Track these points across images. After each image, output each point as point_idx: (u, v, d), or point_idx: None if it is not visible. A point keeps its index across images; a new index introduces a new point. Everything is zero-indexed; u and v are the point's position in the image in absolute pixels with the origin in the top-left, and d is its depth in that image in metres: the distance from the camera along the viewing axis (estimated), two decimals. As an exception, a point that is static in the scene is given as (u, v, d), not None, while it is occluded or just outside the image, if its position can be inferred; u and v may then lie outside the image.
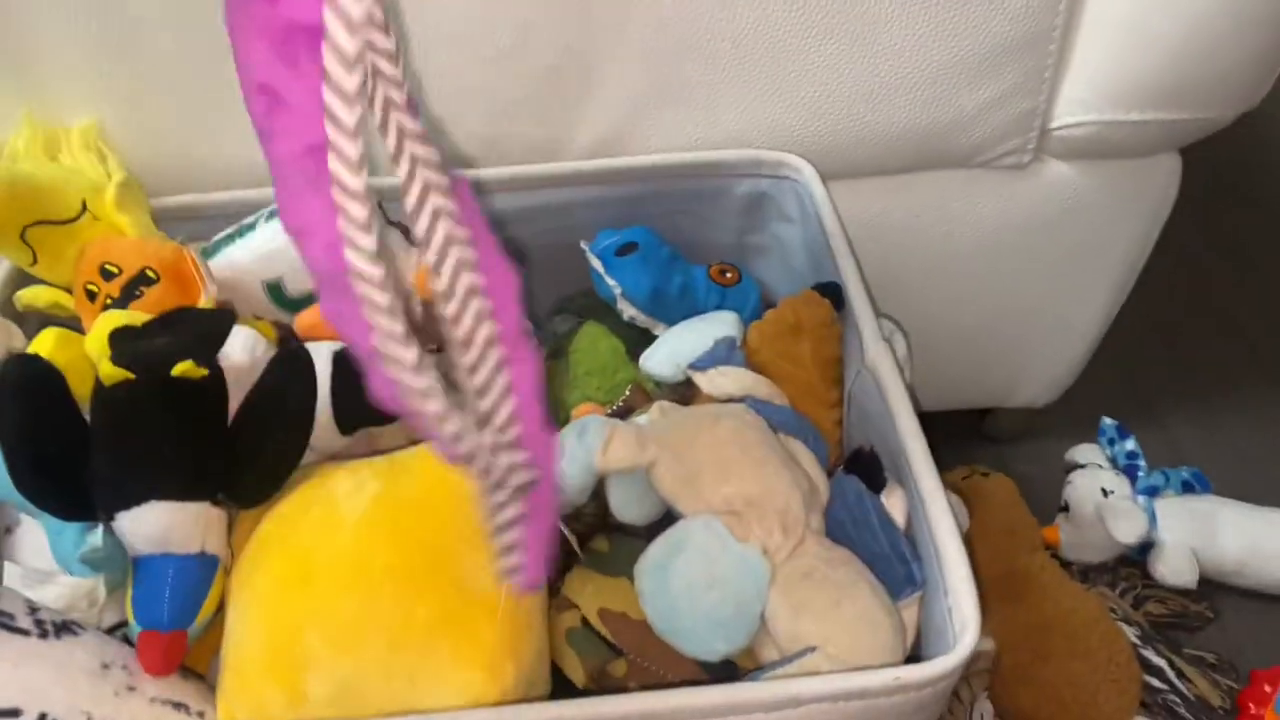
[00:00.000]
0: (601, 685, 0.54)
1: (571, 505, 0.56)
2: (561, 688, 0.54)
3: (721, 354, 0.61)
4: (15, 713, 0.46)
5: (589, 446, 0.53)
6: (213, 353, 0.56)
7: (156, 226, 0.69)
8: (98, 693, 0.49)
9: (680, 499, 0.53)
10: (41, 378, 0.52)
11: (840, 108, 0.70)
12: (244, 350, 0.58)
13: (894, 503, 0.55)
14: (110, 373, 0.52)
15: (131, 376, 0.52)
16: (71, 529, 0.52)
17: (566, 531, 0.58)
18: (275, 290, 0.68)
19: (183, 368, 0.53)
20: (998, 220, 0.82)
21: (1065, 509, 0.90)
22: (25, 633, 0.48)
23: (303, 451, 0.55)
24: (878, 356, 0.58)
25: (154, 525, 0.51)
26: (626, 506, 0.56)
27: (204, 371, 0.53)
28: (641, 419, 0.59)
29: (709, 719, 0.44)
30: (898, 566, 0.52)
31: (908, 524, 0.55)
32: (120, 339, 0.54)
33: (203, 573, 0.52)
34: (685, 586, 0.49)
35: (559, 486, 0.53)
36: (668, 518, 0.57)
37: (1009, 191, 0.80)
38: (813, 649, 0.48)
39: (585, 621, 0.55)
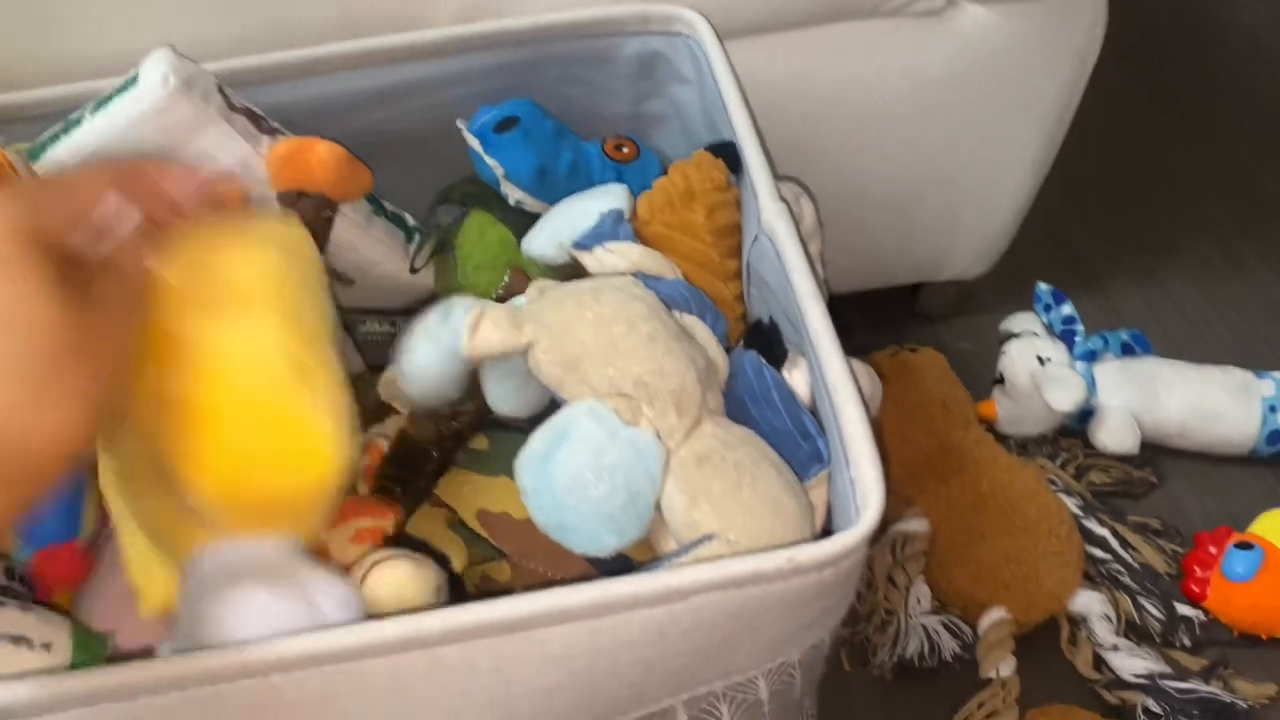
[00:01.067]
0: (483, 590, 0.49)
1: (441, 399, 0.50)
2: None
3: (607, 229, 0.55)
4: None
5: (454, 329, 0.46)
6: None
7: (-30, 129, 0.62)
8: None
9: (563, 385, 0.47)
10: None
11: (730, -48, 0.64)
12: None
13: (796, 376, 0.50)
14: None
15: None
16: None
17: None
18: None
19: None
20: (915, 75, 0.76)
21: (1000, 381, 0.86)
22: None
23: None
24: (774, 217, 0.52)
25: None
26: (504, 398, 0.51)
27: None
28: (519, 300, 0.53)
29: (588, 619, 0.39)
30: (802, 443, 0.48)
31: (812, 398, 0.50)
32: None
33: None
34: (570, 479, 0.44)
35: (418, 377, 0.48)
36: (552, 408, 0.52)
37: (925, 42, 0.74)
38: (710, 537, 0.43)
39: (463, 522, 0.50)
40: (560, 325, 0.47)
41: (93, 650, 0.49)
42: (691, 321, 0.52)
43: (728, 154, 0.58)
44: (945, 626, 0.72)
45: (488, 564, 0.49)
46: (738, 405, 0.49)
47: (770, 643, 0.44)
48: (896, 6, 0.70)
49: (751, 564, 0.39)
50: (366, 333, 0.70)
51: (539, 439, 0.45)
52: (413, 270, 0.72)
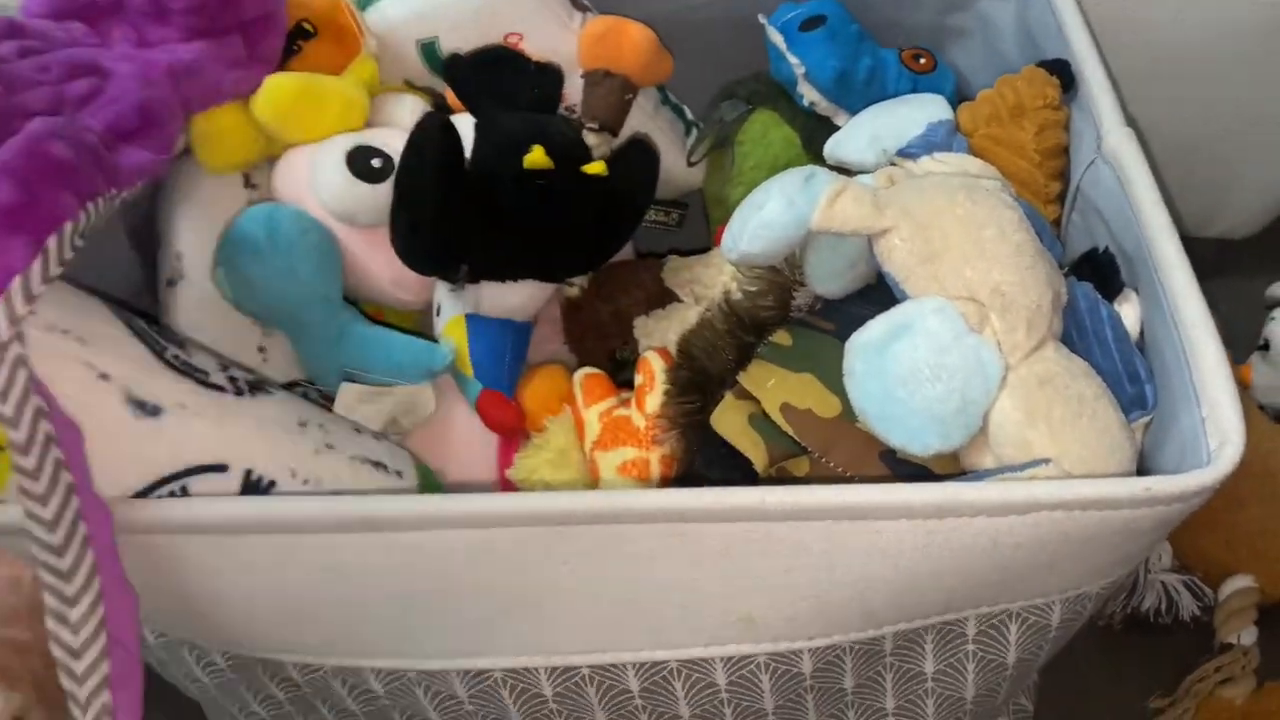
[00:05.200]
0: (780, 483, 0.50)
1: (765, 259, 0.48)
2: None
3: (940, 138, 0.53)
4: (221, 468, 0.44)
5: (812, 196, 0.45)
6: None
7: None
8: (298, 449, 0.47)
9: (911, 277, 0.46)
10: (457, 150, 0.52)
11: None
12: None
13: (1127, 311, 0.49)
14: (537, 159, 0.52)
15: (551, 166, 0.53)
16: (419, 344, 0.56)
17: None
18: (430, 51, 0.63)
19: (595, 168, 0.54)
20: (1229, 19, 0.71)
21: (1264, 347, 0.82)
22: (221, 389, 0.46)
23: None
24: (1119, 143, 0.50)
25: (518, 298, 0.57)
26: (825, 276, 0.50)
27: (605, 172, 0.55)
28: (864, 179, 0.51)
29: (927, 518, 0.39)
30: (1128, 386, 0.46)
31: (1140, 338, 0.48)
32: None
33: (527, 340, 0.59)
34: (907, 372, 0.43)
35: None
36: (858, 297, 0.52)
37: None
38: (1046, 461, 0.43)
39: (766, 416, 0.50)
40: (927, 216, 0.46)
41: (431, 482, 0.53)
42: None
43: (1061, 72, 0.56)
44: (1186, 586, 0.70)
45: (787, 460, 0.50)
46: (1064, 338, 0.48)
47: (1084, 571, 0.44)
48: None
49: (1106, 487, 0.39)
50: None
51: (878, 327, 0.44)
52: (690, 163, 0.72)
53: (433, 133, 0.50)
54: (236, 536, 0.40)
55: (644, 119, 0.70)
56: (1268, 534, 0.69)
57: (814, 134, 0.68)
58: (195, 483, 0.44)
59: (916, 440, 0.44)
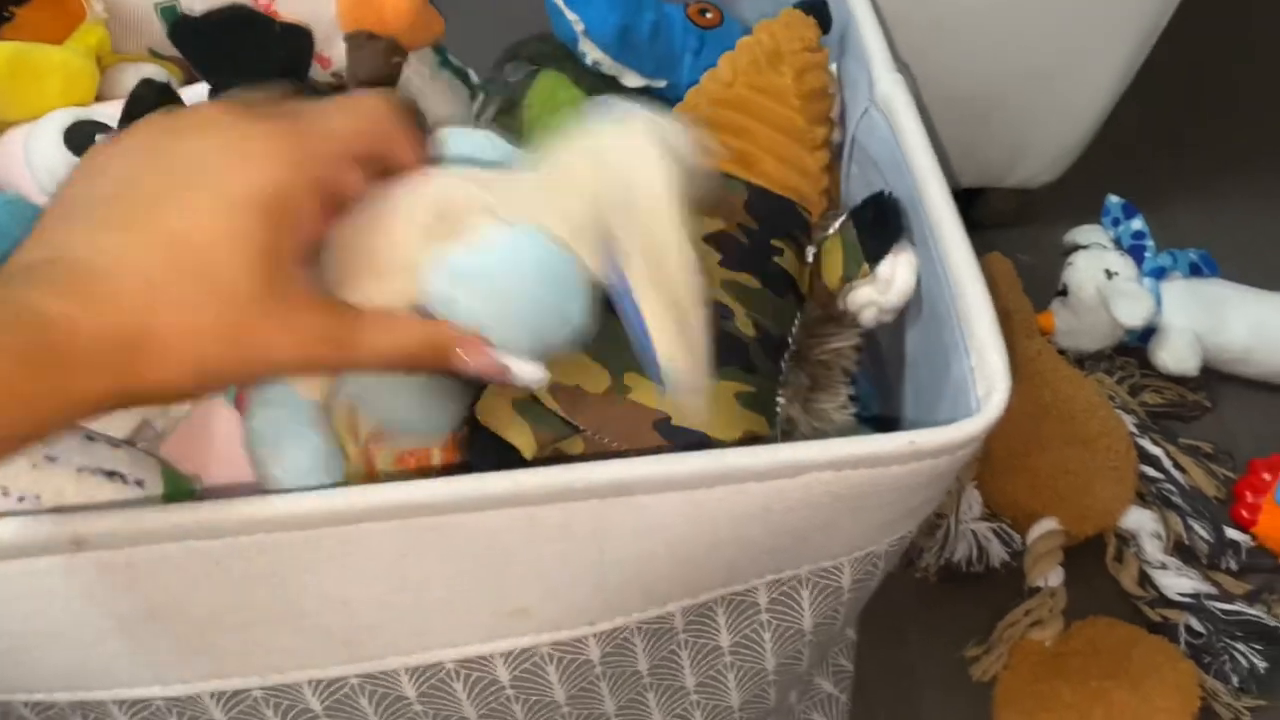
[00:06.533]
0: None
1: None
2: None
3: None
4: None
5: None
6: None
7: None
8: (10, 467, 0.41)
9: None
10: None
11: None
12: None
13: (902, 261, 0.48)
14: None
15: None
16: None
17: None
18: (170, 14, 0.57)
19: None
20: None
21: (1063, 292, 0.84)
22: None
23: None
24: (890, 88, 0.49)
25: None
26: None
27: None
28: None
29: (694, 488, 0.37)
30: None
31: (918, 285, 0.47)
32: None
33: None
34: None
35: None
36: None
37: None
38: None
39: (534, 398, 0.47)
40: None
41: (181, 489, 0.48)
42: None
43: (819, 12, 0.54)
44: (995, 533, 0.71)
45: (560, 441, 0.47)
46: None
47: (866, 530, 0.43)
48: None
49: (871, 445, 0.37)
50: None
51: None
52: (476, 127, 0.68)
53: (149, 100, 0.45)
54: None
55: (422, 83, 0.65)
56: (1069, 474, 0.70)
57: (600, 94, 0.65)
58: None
59: None
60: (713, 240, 0.48)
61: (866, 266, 0.47)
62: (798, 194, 0.51)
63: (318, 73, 0.61)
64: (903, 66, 0.56)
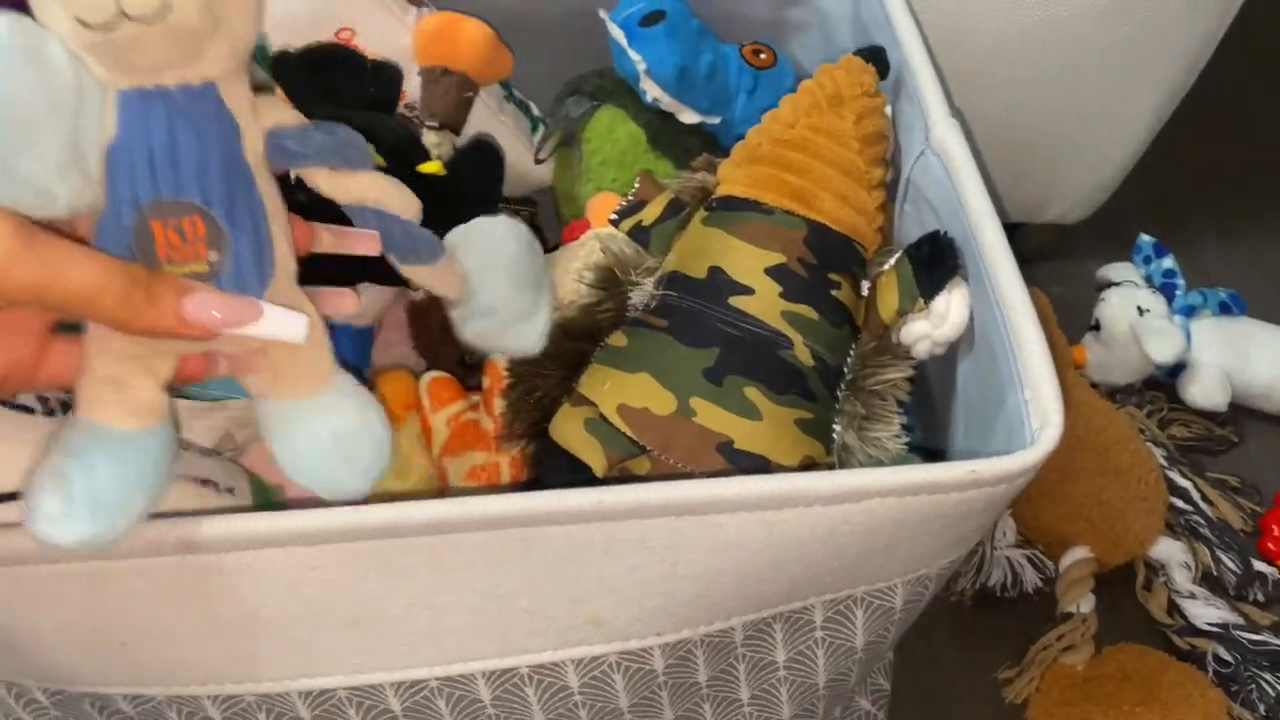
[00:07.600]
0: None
1: None
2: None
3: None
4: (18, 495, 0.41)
5: None
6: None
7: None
8: None
9: None
10: None
11: None
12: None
13: (957, 297, 0.50)
14: None
15: (384, 164, 0.51)
16: None
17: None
18: (258, 49, 0.60)
19: (430, 168, 0.54)
20: (1051, 7, 0.74)
21: (1095, 327, 0.86)
22: (30, 410, 0.43)
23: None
24: (945, 134, 0.52)
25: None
26: None
27: (442, 171, 0.55)
28: None
29: (765, 509, 0.39)
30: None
31: (970, 322, 0.50)
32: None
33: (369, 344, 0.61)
34: None
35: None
36: (690, 289, 0.52)
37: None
38: None
39: (604, 419, 0.50)
40: None
41: (269, 498, 0.50)
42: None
43: (878, 59, 0.57)
44: (1029, 560, 0.73)
45: (628, 460, 0.50)
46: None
47: (921, 553, 0.45)
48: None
49: (934, 473, 0.39)
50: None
51: None
52: (537, 160, 0.71)
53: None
54: (47, 566, 0.38)
55: (488, 116, 0.69)
56: (1102, 505, 0.72)
57: (659, 130, 0.68)
58: (-1, 510, 0.41)
59: None
60: (774, 273, 0.51)
61: (921, 301, 0.50)
62: (855, 231, 0.53)
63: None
64: (956, 111, 0.58)
